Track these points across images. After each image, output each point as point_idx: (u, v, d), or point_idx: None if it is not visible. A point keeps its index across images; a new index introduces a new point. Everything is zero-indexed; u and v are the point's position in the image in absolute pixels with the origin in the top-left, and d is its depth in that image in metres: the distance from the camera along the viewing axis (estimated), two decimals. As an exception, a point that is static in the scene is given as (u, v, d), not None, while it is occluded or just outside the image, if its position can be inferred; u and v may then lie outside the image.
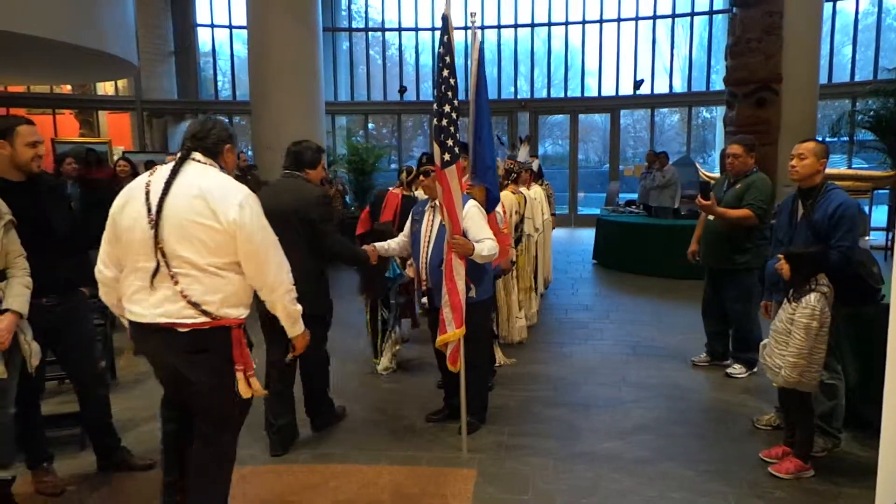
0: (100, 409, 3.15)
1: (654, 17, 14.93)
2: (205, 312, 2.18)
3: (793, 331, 2.88)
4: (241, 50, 16.21)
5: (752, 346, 4.37)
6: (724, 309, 4.48)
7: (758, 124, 9.20)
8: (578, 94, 15.48)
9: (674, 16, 14.97)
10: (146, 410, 3.95)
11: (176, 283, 2.16)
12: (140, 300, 2.22)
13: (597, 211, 13.29)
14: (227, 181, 2.28)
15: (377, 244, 3.62)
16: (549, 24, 15.52)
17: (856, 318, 3.33)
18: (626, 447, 3.39)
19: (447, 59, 3.14)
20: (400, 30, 16.08)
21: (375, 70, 16.41)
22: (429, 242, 3.43)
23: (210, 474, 2.37)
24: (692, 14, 14.90)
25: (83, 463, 3.27)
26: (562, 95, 15.63)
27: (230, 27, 15.94)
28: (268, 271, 2.28)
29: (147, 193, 2.21)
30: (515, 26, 15.67)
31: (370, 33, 16.53)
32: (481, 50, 3.54)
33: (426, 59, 16.25)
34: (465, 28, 13.99)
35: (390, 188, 4.80)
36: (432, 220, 3.45)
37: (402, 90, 15.53)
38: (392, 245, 3.68)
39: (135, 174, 7.33)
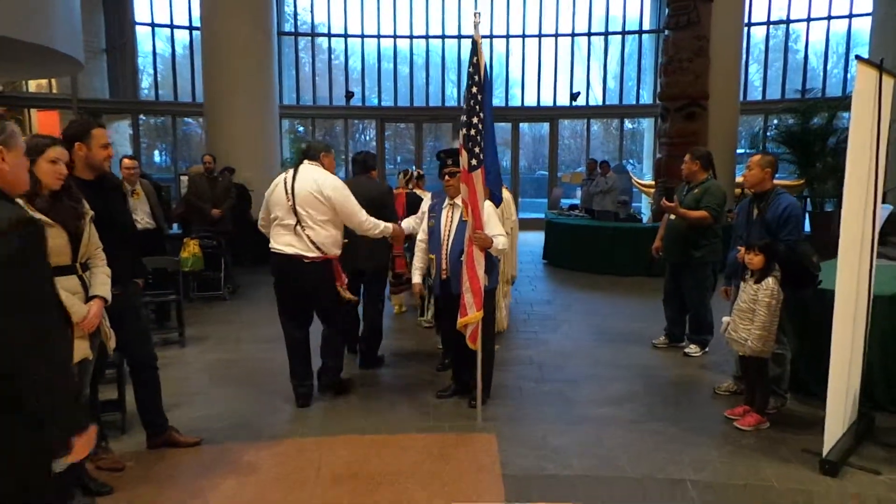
0: (154, 391, 3.41)
1: (589, 34, 15.97)
2: (319, 250, 3.82)
3: (757, 309, 3.54)
4: (179, 50, 16.01)
5: (705, 329, 5.08)
6: (683, 298, 5.16)
7: (688, 136, 10.16)
8: (519, 104, 16.29)
9: (606, 33, 16.04)
10: (170, 397, 4.17)
11: (305, 232, 3.81)
12: (283, 240, 3.86)
13: (533, 215, 14.05)
14: (326, 174, 3.94)
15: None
16: (491, 37, 16.25)
17: (796, 300, 4.04)
18: (617, 412, 3.97)
19: (476, 77, 3.63)
20: (346, 36, 16.34)
21: (318, 74, 16.59)
22: (449, 236, 3.88)
23: (333, 341, 4.16)
24: (623, 32, 16.03)
25: (129, 444, 3.50)
26: (503, 104, 16.39)
27: (171, 26, 15.68)
28: (355, 218, 3.93)
29: (286, 183, 3.89)
30: (459, 37, 16.30)
31: (315, 38, 16.70)
32: (488, 63, 4.04)
33: (371, 65, 16.61)
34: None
35: (394, 189, 5.66)
36: (451, 217, 3.91)
37: (350, 95, 15.81)
38: (412, 223, 4.37)
39: None
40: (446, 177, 3.90)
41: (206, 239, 7.16)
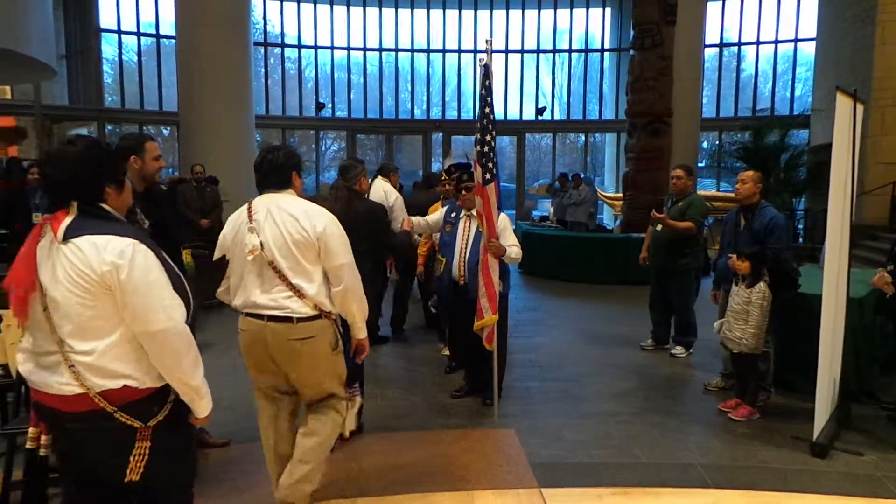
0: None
1: (554, 52, 16.56)
2: None
3: (750, 311, 3.93)
4: (137, 55, 15.82)
5: (690, 332, 5.48)
6: (668, 302, 5.55)
7: (653, 151, 10.73)
8: (486, 117, 16.71)
9: (570, 51, 16.67)
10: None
11: None
12: None
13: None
14: (391, 188, 5.49)
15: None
16: (459, 52, 16.67)
17: (779, 302, 4.46)
18: (620, 407, 4.29)
19: (488, 99, 3.91)
20: (316, 48, 16.47)
21: (287, 85, 16.65)
22: (466, 245, 4.14)
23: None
24: (586, 51, 16.69)
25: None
26: (470, 118, 16.79)
27: (138, 34, 15.50)
28: (397, 222, 4.57)
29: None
30: (428, 51, 16.65)
31: (284, 49, 16.77)
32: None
33: (340, 77, 16.79)
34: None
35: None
36: (468, 228, 4.17)
37: (320, 106, 15.92)
38: (421, 222, 4.49)
39: None
40: (462, 191, 4.17)
41: (198, 248, 7.20)
